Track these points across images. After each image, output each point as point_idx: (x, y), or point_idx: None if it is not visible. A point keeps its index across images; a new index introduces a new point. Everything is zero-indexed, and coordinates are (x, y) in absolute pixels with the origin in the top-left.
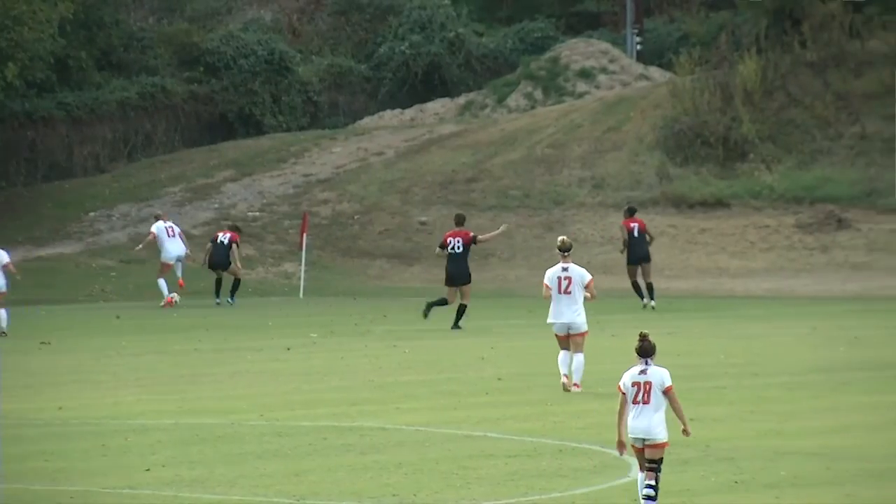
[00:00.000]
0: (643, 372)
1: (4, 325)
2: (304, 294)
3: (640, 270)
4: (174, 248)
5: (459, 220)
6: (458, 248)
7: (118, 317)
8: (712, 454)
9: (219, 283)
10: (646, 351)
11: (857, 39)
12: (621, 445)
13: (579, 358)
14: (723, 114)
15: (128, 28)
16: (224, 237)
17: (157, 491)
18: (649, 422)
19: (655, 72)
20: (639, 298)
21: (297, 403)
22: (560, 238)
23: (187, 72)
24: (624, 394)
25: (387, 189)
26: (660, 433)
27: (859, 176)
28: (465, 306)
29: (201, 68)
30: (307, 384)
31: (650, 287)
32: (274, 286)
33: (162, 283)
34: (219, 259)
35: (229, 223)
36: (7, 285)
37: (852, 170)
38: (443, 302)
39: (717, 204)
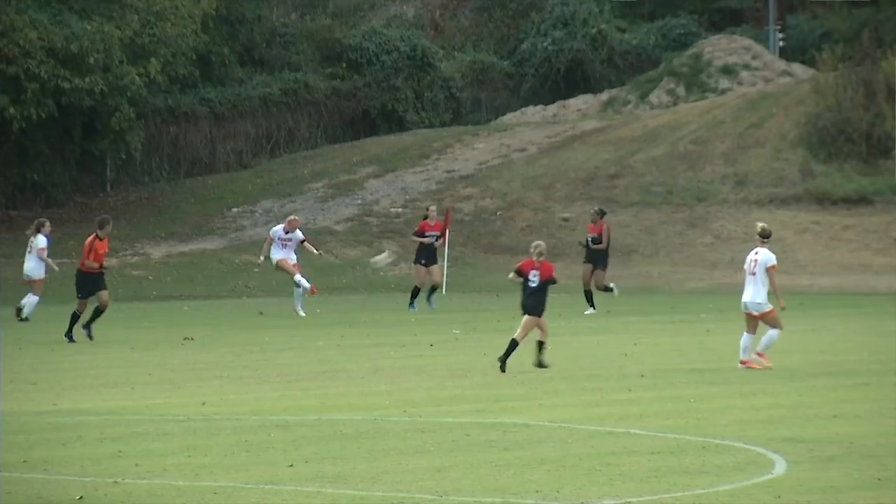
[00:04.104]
0: None
1: (26, 312)
2: (446, 290)
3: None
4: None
5: None
6: None
7: (261, 312)
8: (856, 451)
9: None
10: None
11: None
12: None
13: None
14: (866, 110)
15: (270, 24)
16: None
17: (300, 487)
18: None
19: (798, 68)
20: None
21: (439, 400)
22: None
23: (329, 68)
24: None
25: (529, 185)
26: None
27: None
28: None
29: (344, 64)
30: (450, 380)
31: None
32: None
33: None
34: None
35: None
36: (45, 270)
37: None
38: None
39: (861, 200)
